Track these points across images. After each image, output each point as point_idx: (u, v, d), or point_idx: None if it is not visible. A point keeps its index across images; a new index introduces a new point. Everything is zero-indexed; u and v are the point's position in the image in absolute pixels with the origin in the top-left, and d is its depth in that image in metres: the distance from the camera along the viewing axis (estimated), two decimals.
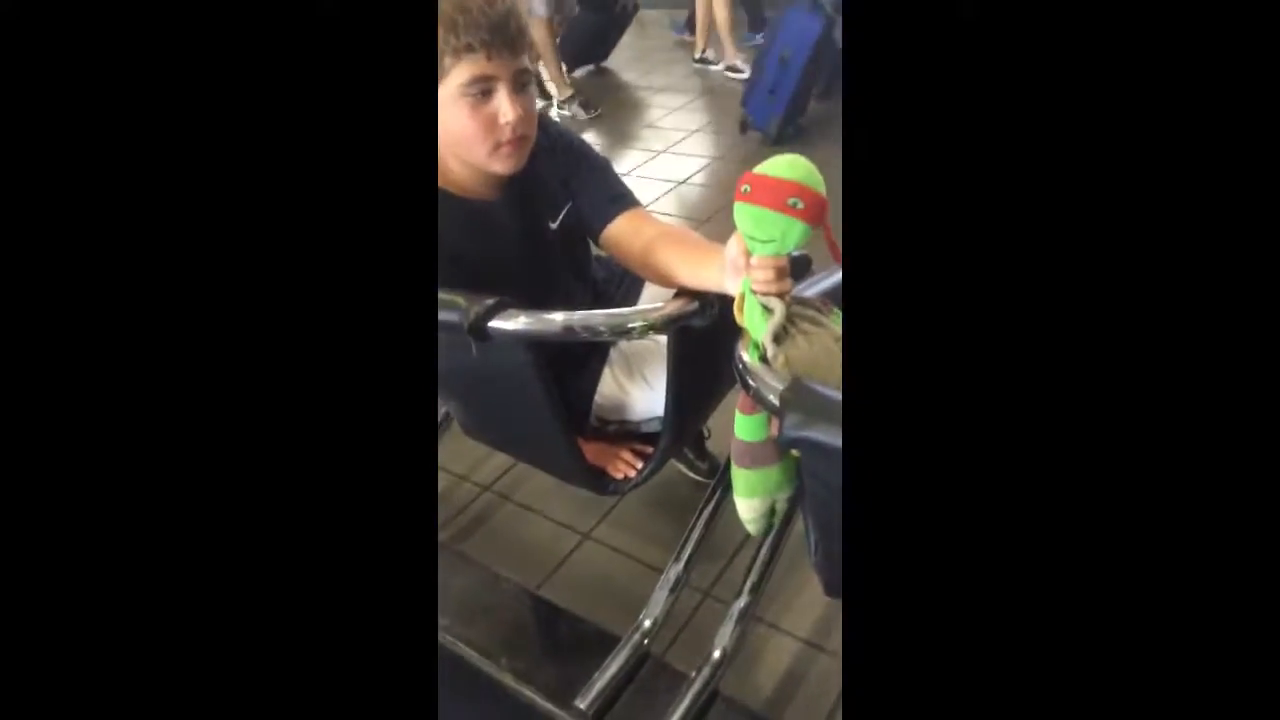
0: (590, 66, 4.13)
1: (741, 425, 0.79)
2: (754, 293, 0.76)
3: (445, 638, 1.18)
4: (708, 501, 1.08)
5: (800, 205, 0.72)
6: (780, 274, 0.75)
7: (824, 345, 0.76)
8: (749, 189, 0.74)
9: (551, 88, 3.60)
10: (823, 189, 0.74)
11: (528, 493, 1.54)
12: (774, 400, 0.70)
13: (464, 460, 1.60)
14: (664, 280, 0.94)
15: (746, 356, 0.75)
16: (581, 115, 3.55)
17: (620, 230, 0.98)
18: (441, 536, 1.44)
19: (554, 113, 3.54)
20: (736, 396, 0.79)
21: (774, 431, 0.77)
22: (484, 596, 1.30)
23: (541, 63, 3.53)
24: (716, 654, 0.98)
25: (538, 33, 3.44)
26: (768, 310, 0.75)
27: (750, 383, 0.74)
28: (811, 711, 1.10)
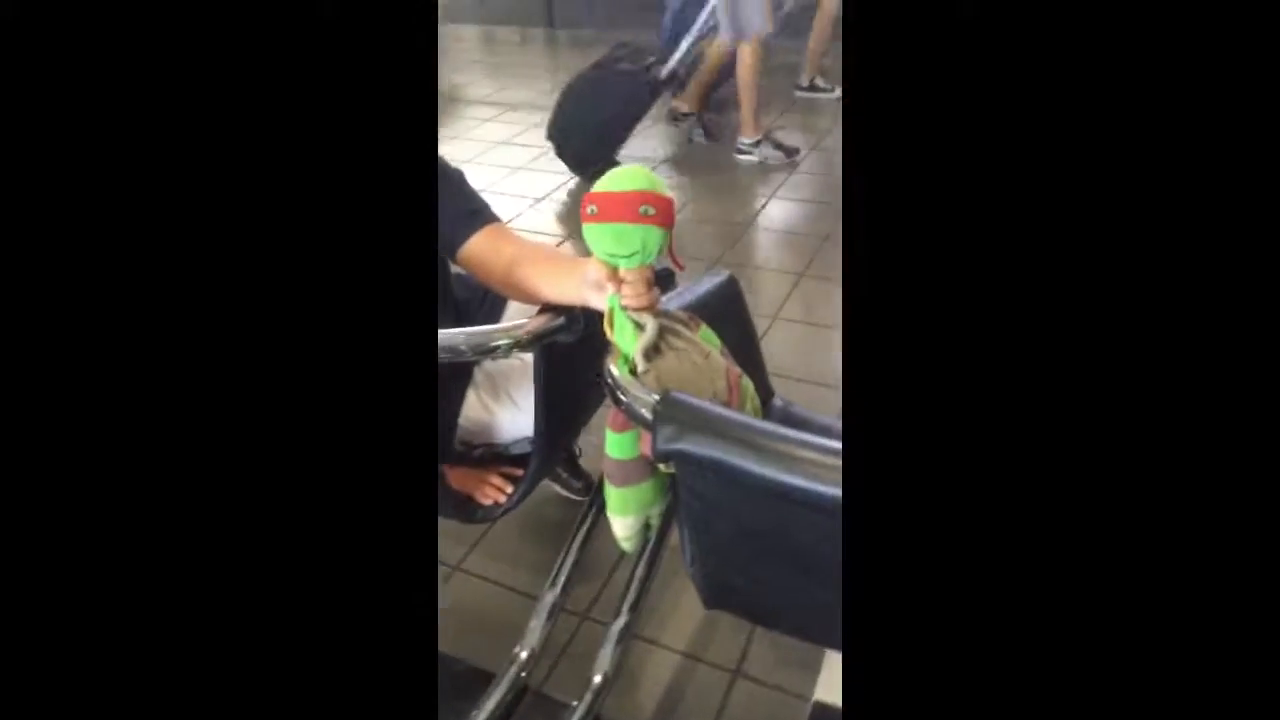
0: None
1: (613, 443, 0.78)
2: (624, 309, 0.76)
3: None
4: (581, 523, 1.06)
5: (652, 211, 0.73)
6: (649, 285, 0.75)
7: (692, 361, 0.76)
8: (595, 209, 0.74)
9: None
10: (667, 191, 0.75)
11: None
12: (646, 414, 0.69)
13: None
14: (528, 297, 0.91)
15: (616, 371, 0.74)
16: (776, 159, 2.90)
17: (479, 247, 0.94)
18: None
19: (739, 158, 2.94)
20: (606, 413, 0.78)
21: (645, 449, 0.77)
22: None
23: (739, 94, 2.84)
24: (597, 679, 0.96)
25: (744, 58, 2.74)
26: (639, 326, 0.75)
27: (621, 398, 0.73)
28: None
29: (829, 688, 1.05)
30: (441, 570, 1.36)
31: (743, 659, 1.21)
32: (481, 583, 1.34)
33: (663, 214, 0.74)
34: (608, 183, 0.74)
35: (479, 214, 0.96)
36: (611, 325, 0.77)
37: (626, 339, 0.75)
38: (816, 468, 0.59)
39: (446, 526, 1.26)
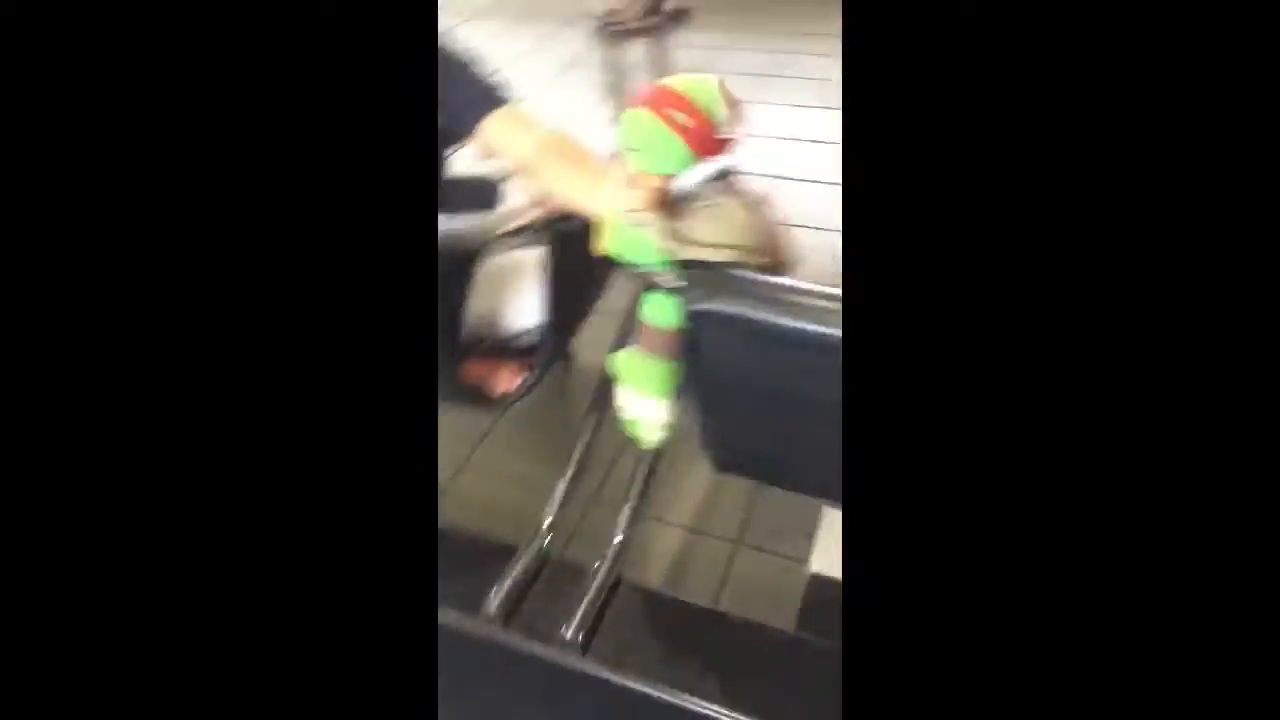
0: None
1: (661, 309, 0.78)
2: (624, 217, 0.73)
3: None
4: (592, 410, 1.10)
5: (682, 119, 0.69)
6: (652, 200, 0.72)
7: (733, 214, 0.74)
8: (641, 93, 0.73)
9: None
10: (721, 118, 0.70)
11: None
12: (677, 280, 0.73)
13: None
14: (545, 193, 0.91)
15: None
16: None
17: (495, 131, 0.92)
18: None
19: None
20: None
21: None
22: None
23: None
24: (616, 541, 1.02)
25: None
26: (642, 226, 0.72)
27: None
28: (702, 588, 1.20)
29: (824, 556, 1.14)
30: (448, 468, 1.40)
31: (744, 529, 1.31)
32: (491, 474, 1.39)
33: (696, 134, 0.70)
34: (674, 79, 0.73)
35: (493, 92, 0.89)
36: (603, 237, 0.77)
37: (636, 246, 0.74)
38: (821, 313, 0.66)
39: (450, 425, 1.29)
